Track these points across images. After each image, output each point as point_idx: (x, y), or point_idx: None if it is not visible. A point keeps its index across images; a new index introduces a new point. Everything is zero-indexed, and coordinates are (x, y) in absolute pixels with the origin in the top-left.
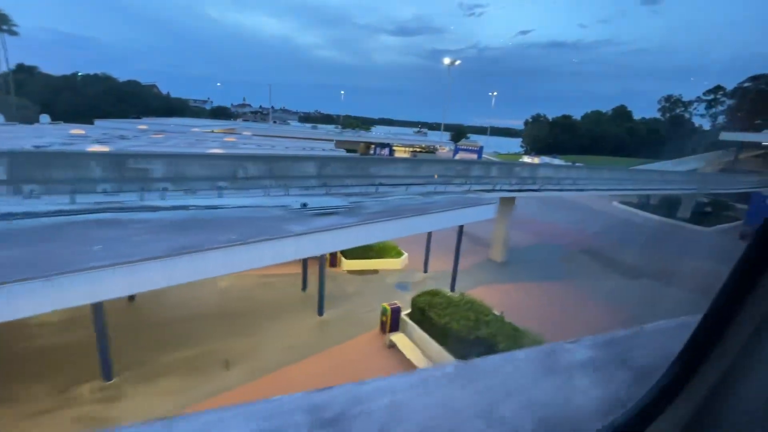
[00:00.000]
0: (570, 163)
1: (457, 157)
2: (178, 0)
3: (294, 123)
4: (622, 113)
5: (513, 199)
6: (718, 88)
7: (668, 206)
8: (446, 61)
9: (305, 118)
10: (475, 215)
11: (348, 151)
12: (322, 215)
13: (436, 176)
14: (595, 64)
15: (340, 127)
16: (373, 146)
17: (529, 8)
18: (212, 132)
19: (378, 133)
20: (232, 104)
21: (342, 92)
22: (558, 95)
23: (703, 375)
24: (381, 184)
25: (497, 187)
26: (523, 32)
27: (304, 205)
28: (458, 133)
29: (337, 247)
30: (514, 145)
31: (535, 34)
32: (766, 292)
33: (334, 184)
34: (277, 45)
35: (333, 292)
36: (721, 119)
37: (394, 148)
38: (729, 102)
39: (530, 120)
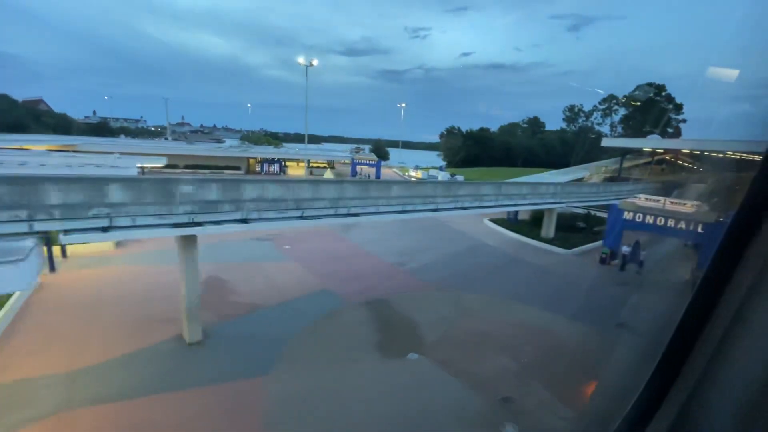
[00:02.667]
0: (451, 177)
1: (357, 170)
2: (116, 18)
3: (230, 141)
4: (534, 125)
5: (194, 239)
6: (611, 97)
7: (536, 223)
8: (301, 60)
9: (247, 136)
10: None
11: (229, 168)
12: None
13: None
14: (530, 84)
15: (246, 142)
16: (260, 161)
17: (470, 32)
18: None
19: (306, 149)
20: (169, 123)
21: (289, 111)
22: (498, 113)
23: (682, 382)
24: None
25: (141, 222)
26: (465, 54)
27: None
28: (377, 147)
29: None
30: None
31: (476, 56)
32: (731, 299)
33: None
34: (223, 64)
35: None
36: (620, 128)
37: (290, 163)
38: (622, 110)
39: (445, 133)
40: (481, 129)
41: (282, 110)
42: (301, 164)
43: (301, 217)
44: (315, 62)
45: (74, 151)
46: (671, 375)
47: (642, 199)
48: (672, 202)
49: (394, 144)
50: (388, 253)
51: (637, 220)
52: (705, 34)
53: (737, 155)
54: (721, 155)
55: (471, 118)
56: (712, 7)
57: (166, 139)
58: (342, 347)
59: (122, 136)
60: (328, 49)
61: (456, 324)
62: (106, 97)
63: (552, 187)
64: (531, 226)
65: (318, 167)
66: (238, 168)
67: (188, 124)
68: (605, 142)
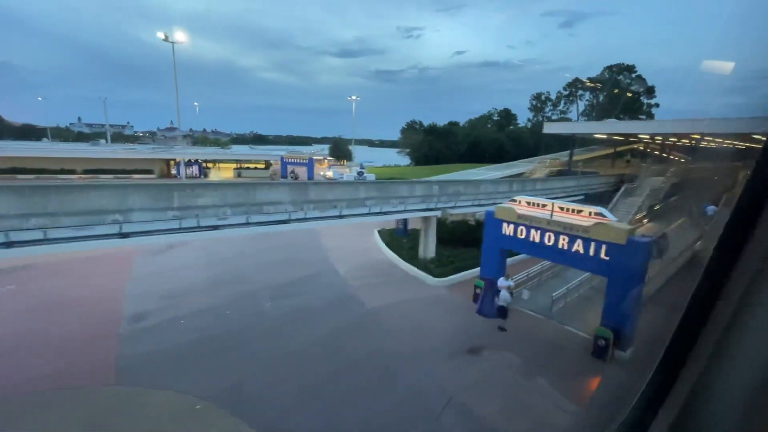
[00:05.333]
0: (358, 176)
1: (289, 171)
2: (108, 25)
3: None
4: (505, 117)
5: None
6: (575, 82)
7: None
8: (161, 35)
9: (236, 139)
10: None
11: (138, 171)
12: None
13: None
14: (524, 82)
15: (183, 144)
16: (174, 164)
17: (462, 30)
18: None
19: (254, 150)
20: (158, 128)
21: (284, 114)
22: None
23: (684, 378)
24: None
25: None
26: (459, 53)
27: None
28: (336, 146)
29: None
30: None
31: (470, 55)
32: (731, 296)
33: None
34: (217, 68)
35: None
36: (593, 115)
37: (216, 165)
38: (589, 95)
39: (405, 127)
40: (450, 123)
41: (276, 112)
42: (223, 165)
43: None
44: (181, 37)
45: None
46: (675, 369)
47: (522, 203)
48: (564, 209)
49: (392, 144)
50: (151, 296)
51: (519, 236)
52: (697, 27)
53: (708, 142)
54: (692, 143)
55: (465, 116)
56: (704, 1)
57: (105, 142)
58: None
59: (45, 139)
60: (322, 50)
61: None
62: (39, 98)
63: (421, 187)
64: (415, 239)
65: (249, 168)
66: (150, 171)
67: (176, 129)
68: (547, 129)
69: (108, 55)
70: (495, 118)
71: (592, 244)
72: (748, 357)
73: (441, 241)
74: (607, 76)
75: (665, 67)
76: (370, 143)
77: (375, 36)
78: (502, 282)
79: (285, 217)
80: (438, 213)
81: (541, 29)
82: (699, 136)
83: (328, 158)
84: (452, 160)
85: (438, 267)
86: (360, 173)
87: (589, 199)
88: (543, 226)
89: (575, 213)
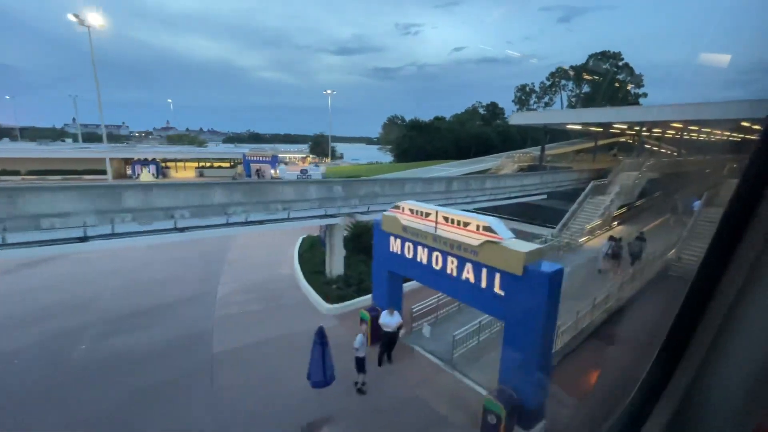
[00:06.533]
0: (301, 174)
1: (253, 169)
2: (107, 25)
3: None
4: (492, 111)
5: None
6: (558, 71)
7: (356, 241)
8: (71, 17)
9: (232, 138)
10: None
11: (91, 171)
12: None
13: None
14: (522, 77)
15: (165, 141)
16: (131, 163)
17: (461, 27)
18: None
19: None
20: (154, 128)
21: (279, 112)
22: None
23: (681, 373)
24: None
25: None
26: (457, 49)
27: None
28: (316, 143)
29: None
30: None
31: (468, 51)
32: (728, 291)
33: None
34: (215, 67)
35: None
36: (577, 105)
37: (188, 164)
38: (572, 85)
39: (386, 123)
40: (436, 118)
41: (274, 111)
42: (188, 164)
43: None
44: (97, 21)
45: None
46: (673, 362)
47: (405, 211)
48: (449, 220)
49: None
50: None
51: (407, 254)
52: (695, 21)
53: (698, 133)
54: (680, 135)
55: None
56: None
57: (63, 141)
58: None
59: (6, 139)
60: (320, 48)
61: None
62: (6, 97)
63: (316, 189)
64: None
65: (213, 167)
66: (104, 172)
67: (173, 129)
68: (514, 120)
69: (107, 55)
70: (481, 112)
71: (484, 272)
72: (746, 352)
73: (366, 252)
74: (591, 64)
75: (663, 61)
76: (368, 141)
77: (373, 33)
78: (384, 318)
79: (78, 233)
80: (338, 220)
81: (540, 25)
82: (681, 126)
83: (311, 156)
84: (436, 155)
85: (341, 288)
86: (304, 171)
87: (554, 197)
88: (429, 244)
89: (461, 226)
